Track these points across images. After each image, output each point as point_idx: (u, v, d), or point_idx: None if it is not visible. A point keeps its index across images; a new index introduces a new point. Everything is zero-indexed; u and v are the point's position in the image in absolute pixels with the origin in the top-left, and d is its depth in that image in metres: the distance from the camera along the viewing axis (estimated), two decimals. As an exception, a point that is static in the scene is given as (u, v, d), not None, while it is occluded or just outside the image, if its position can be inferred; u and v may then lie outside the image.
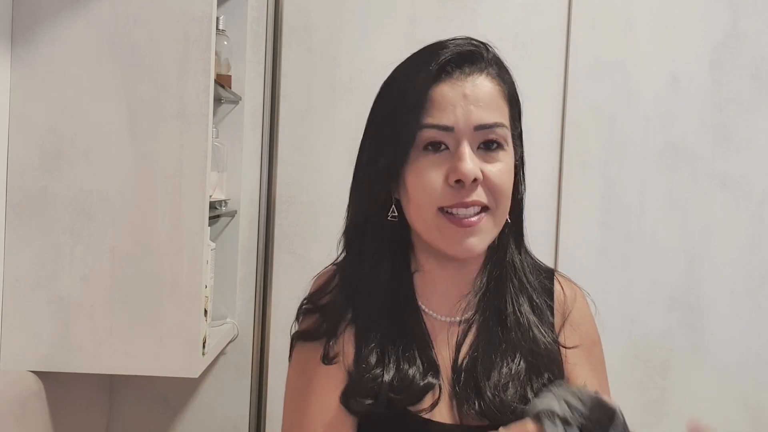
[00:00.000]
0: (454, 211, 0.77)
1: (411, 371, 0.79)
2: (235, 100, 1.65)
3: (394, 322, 0.82)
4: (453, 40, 0.81)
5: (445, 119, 0.76)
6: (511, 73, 0.84)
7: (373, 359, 0.80)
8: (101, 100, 1.22)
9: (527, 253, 0.90)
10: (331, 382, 0.81)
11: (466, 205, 0.77)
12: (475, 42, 0.81)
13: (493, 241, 0.85)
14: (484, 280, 0.86)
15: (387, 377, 0.78)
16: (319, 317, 0.85)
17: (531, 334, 0.83)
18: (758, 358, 1.75)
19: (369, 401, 0.78)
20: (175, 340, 1.23)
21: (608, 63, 1.72)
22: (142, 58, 1.22)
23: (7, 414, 1.13)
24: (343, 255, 0.88)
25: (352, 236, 0.85)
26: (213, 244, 1.42)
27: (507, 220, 0.83)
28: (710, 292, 1.74)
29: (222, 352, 1.66)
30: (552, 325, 0.87)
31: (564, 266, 1.71)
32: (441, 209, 0.77)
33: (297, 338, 0.87)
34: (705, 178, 1.74)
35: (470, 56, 0.79)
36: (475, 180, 0.76)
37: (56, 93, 1.21)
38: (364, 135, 0.85)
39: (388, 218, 0.82)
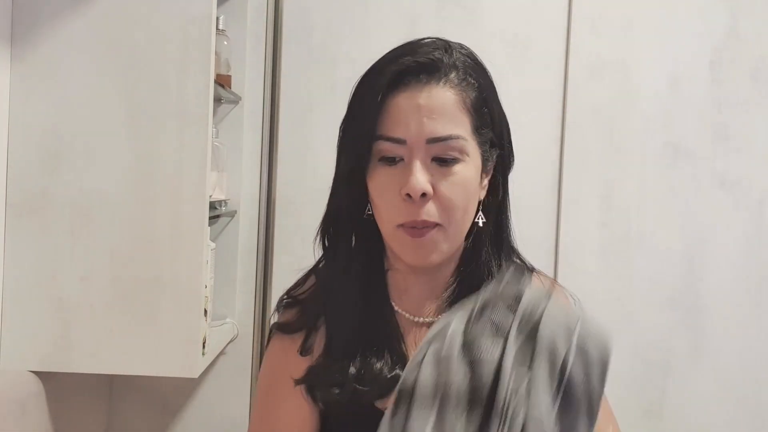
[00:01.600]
0: (408, 224, 0.77)
1: (378, 364, 0.79)
2: (235, 100, 1.65)
3: (366, 317, 0.83)
4: (420, 44, 0.79)
5: (397, 131, 0.75)
6: (484, 76, 0.81)
7: (340, 350, 0.81)
8: (101, 100, 1.22)
9: (510, 255, 0.88)
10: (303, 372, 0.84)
11: (416, 225, 0.76)
12: (440, 45, 0.79)
13: (468, 243, 0.84)
14: (456, 283, 0.85)
15: (353, 368, 0.79)
16: (299, 311, 0.86)
17: None
18: (758, 358, 1.75)
19: (335, 390, 0.79)
20: (174, 340, 1.23)
21: (608, 63, 1.72)
22: (142, 58, 1.22)
23: (7, 414, 1.13)
24: (322, 254, 0.89)
25: (326, 230, 0.86)
26: (213, 244, 1.42)
27: (480, 222, 0.83)
28: (710, 292, 1.74)
29: (222, 352, 1.66)
30: None
31: (564, 266, 1.71)
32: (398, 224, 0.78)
33: (276, 329, 0.88)
34: (705, 178, 1.74)
35: (429, 65, 0.77)
36: (424, 195, 0.75)
37: (56, 93, 1.21)
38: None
39: (365, 216, 0.83)
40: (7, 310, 1.22)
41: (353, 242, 0.85)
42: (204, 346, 1.29)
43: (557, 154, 1.72)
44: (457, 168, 0.77)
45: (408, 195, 0.75)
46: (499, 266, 0.86)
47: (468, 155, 0.78)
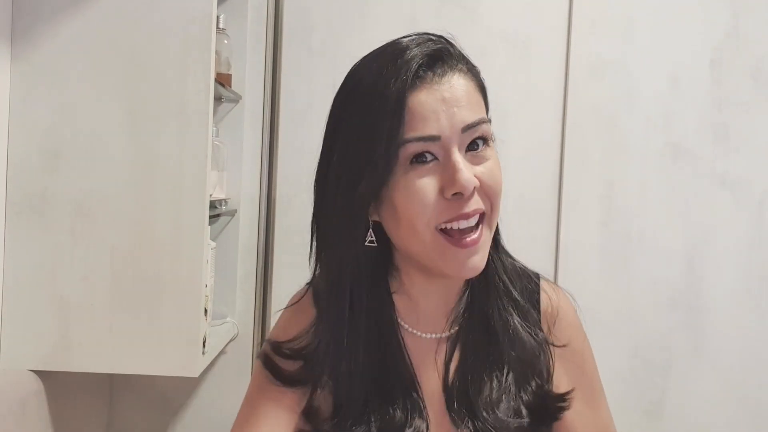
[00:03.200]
0: (454, 225, 0.71)
1: (396, 416, 0.75)
2: (236, 99, 1.65)
3: (376, 361, 0.77)
4: (411, 39, 0.73)
5: (428, 129, 0.69)
6: (476, 66, 0.78)
7: (355, 409, 0.75)
8: (101, 100, 1.22)
9: (505, 252, 0.85)
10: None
11: (468, 216, 0.71)
12: (434, 38, 0.74)
13: None
14: (469, 288, 0.81)
15: (373, 429, 0.74)
16: (302, 366, 0.79)
17: (517, 337, 0.79)
18: (758, 358, 1.75)
19: None
20: (175, 339, 1.23)
21: (609, 62, 1.72)
22: (142, 58, 1.22)
23: (7, 414, 1.13)
24: (320, 291, 0.82)
25: (329, 269, 0.78)
26: (213, 244, 1.42)
27: None
28: (710, 292, 1.74)
29: (222, 352, 1.66)
30: (539, 324, 0.83)
31: (564, 266, 1.71)
32: (438, 227, 0.71)
33: (267, 368, 0.80)
34: (705, 178, 1.74)
35: (439, 55, 0.72)
36: (473, 189, 0.70)
37: (56, 92, 1.21)
38: (326, 152, 0.76)
39: (366, 243, 0.75)
40: (7, 310, 1.22)
41: (359, 276, 0.76)
42: (204, 346, 1.29)
43: (558, 154, 1.72)
44: (489, 152, 0.73)
45: (455, 194, 0.69)
46: (505, 270, 0.83)
47: (492, 140, 0.74)
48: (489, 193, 0.72)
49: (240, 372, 1.70)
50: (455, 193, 0.69)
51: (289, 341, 0.81)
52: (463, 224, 0.71)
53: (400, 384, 0.77)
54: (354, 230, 0.74)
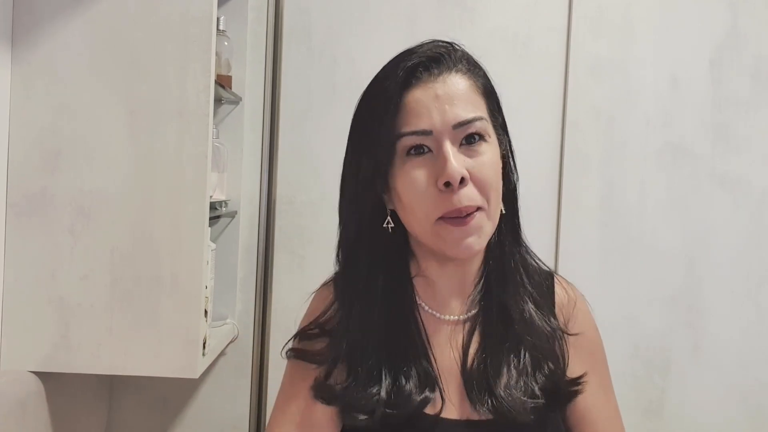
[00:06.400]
0: (449, 214, 0.76)
1: (407, 386, 0.78)
2: (236, 101, 1.65)
3: (391, 332, 0.81)
4: (420, 45, 0.81)
5: (421, 124, 0.76)
6: (483, 68, 0.83)
7: (367, 375, 0.79)
8: (101, 100, 1.21)
9: (525, 247, 0.89)
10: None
11: (461, 212, 0.75)
12: (441, 43, 0.81)
13: (492, 236, 0.84)
14: (485, 276, 0.86)
15: (383, 394, 0.78)
16: (329, 342, 0.84)
17: (533, 325, 0.83)
18: (758, 358, 1.75)
19: (363, 417, 0.78)
20: (175, 340, 1.23)
21: (608, 63, 1.72)
22: (142, 58, 1.22)
23: (7, 414, 1.12)
24: (338, 269, 0.87)
25: (346, 249, 0.85)
26: (213, 245, 1.42)
27: (502, 211, 0.83)
28: (710, 292, 1.74)
29: (222, 353, 1.66)
30: (553, 314, 0.88)
31: (564, 266, 1.71)
32: (437, 218, 0.77)
33: (297, 358, 0.85)
34: (705, 178, 1.74)
35: (436, 58, 0.79)
36: (462, 179, 0.74)
37: (56, 93, 1.21)
38: (346, 148, 0.84)
39: (383, 227, 0.82)
40: (7, 310, 1.22)
41: (375, 257, 0.83)
42: (204, 347, 1.29)
43: (557, 154, 1.72)
44: (484, 147, 0.78)
45: (445, 184, 0.74)
46: (523, 259, 0.87)
47: (490, 137, 0.79)
48: (481, 186, 0.76)
49: (240, 373, 1.70)
50: (446, 183, 0.74)
51: (312, 321, 0.86)
52: (456, 216, 0.76)
53: (414, 355, 0.81)
54: (364, 214, 0.82)
